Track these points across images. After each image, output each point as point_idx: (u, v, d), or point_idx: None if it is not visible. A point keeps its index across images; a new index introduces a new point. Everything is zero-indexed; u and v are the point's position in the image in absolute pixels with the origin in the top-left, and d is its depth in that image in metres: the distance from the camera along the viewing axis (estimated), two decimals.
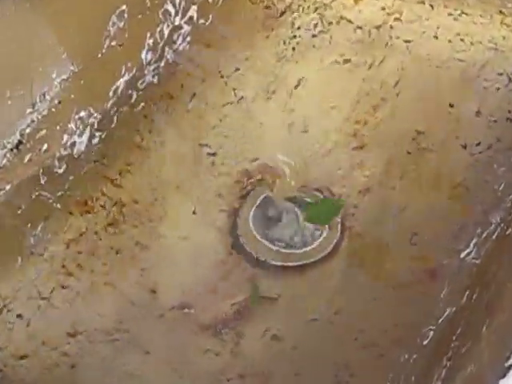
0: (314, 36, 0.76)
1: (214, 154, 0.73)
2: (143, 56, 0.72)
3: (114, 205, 0.71)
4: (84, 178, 0.70)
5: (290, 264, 0.69)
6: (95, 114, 0.71)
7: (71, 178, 0.70)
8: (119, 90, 0.71)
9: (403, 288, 0.66)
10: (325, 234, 0.70)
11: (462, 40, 0.75)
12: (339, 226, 0.71)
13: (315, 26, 0.76)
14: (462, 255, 0.63)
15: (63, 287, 0.68)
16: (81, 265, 0.69)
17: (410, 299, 0.65)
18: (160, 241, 0.70)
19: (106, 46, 0.71)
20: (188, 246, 0.70)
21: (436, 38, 0.76)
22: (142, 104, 0.72)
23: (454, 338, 0.59)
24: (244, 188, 0.72)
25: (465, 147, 0.71)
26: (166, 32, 0.75)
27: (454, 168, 0.70)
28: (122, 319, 0.67)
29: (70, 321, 0.66)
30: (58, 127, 0.69)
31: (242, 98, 0.75)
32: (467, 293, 0.62)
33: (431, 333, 0.61)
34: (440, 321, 0.61)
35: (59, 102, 0.69)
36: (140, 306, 0.67)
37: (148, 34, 0.73)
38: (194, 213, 0.71)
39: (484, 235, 0.64)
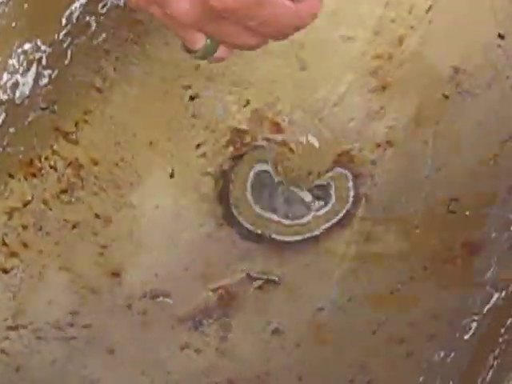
0: None
1: (196, 97, 0.64)
2: None
3: (67, 166, 0.64)
4: (29, 131, 0.63)
5: (293, 238, 0.63)
6: (43, 47, 0.64)
7: (12, 130, 0.63)
8: (74, 16, 0.64)
9: (437, 267, 0.60)
10: (333, 200, 0.63)
11: None
12: (351, 193, 0.63)
13: None
14: None
15: (4, 271, 0.62)
16: (26, 242, 0.63)
17: (447, 281, 0.60)
18: (127, 211, 0.63)
19: None
20: (163, 217, 0.64)
21: None
22: (104, 34, 0.64)
23: (502, 330, 0.55)
24: (234, 146, 0.64)
25: None
26: None
27: (504, 116, 0.63)
28: (79, 310, 0.62)
29: (12, 312, 0.62)
30: None
31: None
32: None
33: (474, 324, 0.57)
34: (485, 309, 0.57)
35: None
36: (101, 293, 0.62)
37: None
38: (171, 176, 0.64)
39: None
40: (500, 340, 0.54)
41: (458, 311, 0.58)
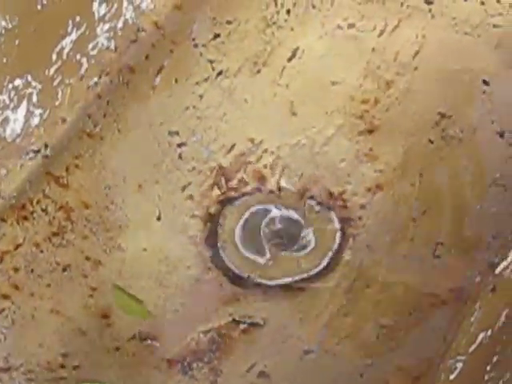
0: None
1: (183, 145, 0.80)
2: (95, 8, 0.78)
3: (58, 209, 0.79)
4: (21, 174, 0.77)
5: (279, 282, 0.77)
6: (34, 83, 0.77)
7: (3, 172, 0.76)
8: (64, 52, 0.76)
9: (423, 312, 0.74)
10: (320, 245, 0.80)
11: (498, 1, 0.84)
12: (338, 234, 0.81)
13: None
14: (499, 269, 0.72)
15: None
16: (17, 285, 0.77)
17: (432, 325, 0.74)
18: (116, 254, 0.78)
19: None
20: (151, 259, 0.79)
21: None
22: (95, 78, 0.78)
23: (488, 368, 0.68)
24: (221, 189, 0.78)
25: (502, 135, 0.76)
26: None
27: (489, 161, 0.78)
28: (69, 352, 0.75)
29: (4, 353, 0.74)
30: None
31: (221, 72, 0.85)
32: (505, 312, 0.68)
33: (459, 364, 0.69)
34: (471, 349, 0.70)
35: None
36: (91, 335, 0.76)
37: None
38: (158, 218, 0.79)
39: None
40: (486, 377, 0.66)
41: (443, 353, 0.70)
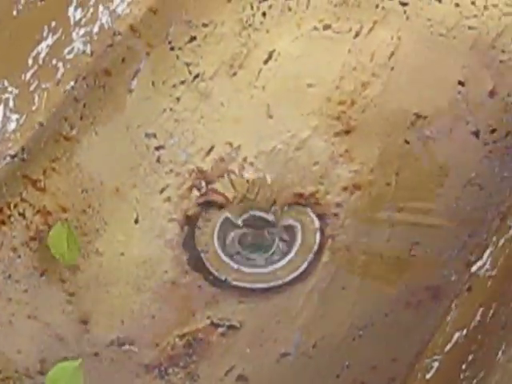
0: None
1: (161, 147, 0.85)
2: (70, 13, 0.83)
3: (36, 213, 0.83)
4: None
5: (256, 285, 0.82)
6: (10, 88, 0.80)
7: None
8: (40, 57, 0.81)
9: (400, 312, 0.79)
10: (298, 246, 0.83)
11: (472, 3, 0.88)
12: (317, 234, 0.83)
13: None
14: (474, 268, 0.75)
15: None
16: None
17: (408, 325, 0.79)
18: (94, 259, 0.83)
19: (22, 1, 0.80)
20: (128, 264, 0.83)
21: (439, 0, 0.89)
22: (72, 83, 0.83)
23: (463, 367, 0.69)
24: (199, 191, 0.84)
25: (477, 135, 0.86)
26: None
27: (464, 161, 0.82)
28: (47, 358, 0.78)
29: None
30: None
31: (198, 75, 0.88)
32: (480, 311, 0.72)
33: (435, 364, 0.70)
34: (447, 348, 0.70)
35: None
36: (69, 341, 0.79)
37: None
38: (136, 221, 0.84)
39: (501, 243, 0.74)
40: (461, 376, 0.67)
41: (419, 353, 0.72)
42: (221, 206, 0.85)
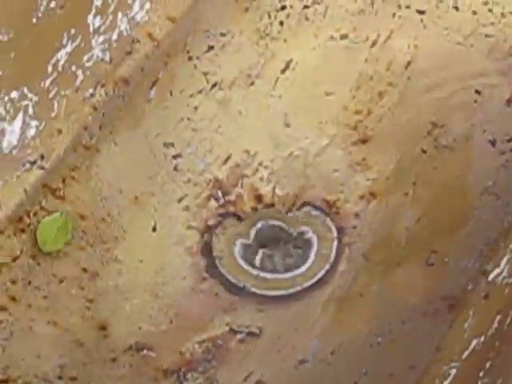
0: (305, 7, 0.91)
1: (178, 156, 0.87)
2: (90, 21, 0.86)
3: None
4: (18, 186, 0.82)
5: (275, 293, 0.84)
6: (30, 95, 0.82)
7: (0, 183, 0.82)
8: (60, 64, 0.83)
9: (417, 319, 0.83)
10: (315, 254, 0.84)
11: (489, 10, 0.89)
12: (335, 242, 0.85)
13: None
14: (491, 276, 0.76)
15: None
16: (15, 297, 0.82)
17: (425, 333, 0.83)
18: (113, 266, 0.85)
19: (42, 9, 0.83)
20: (147, 270, 0.85)
21: (456, 8, 0.90)
22: (91, 90, 0.85)
23: (481, 374, 0.73)
24: (217, 201, 0.86)
25: (493, 144, 0.88)
26: None
27: (481, 170, 0.85)
28: (66, 363, 0.81)
29: (2, 365, 0.79)
30: None
31: (216, 84, 0.89)
32: (497, 318, 0.77)
33: (453, 371, 0.74)
34: (464, 355, 0.75)
35: None
36: (88, 346, 0.82)
37: None
38: (154, 229, 0.86)
39: None
40: (479, 383, 0.71)
41: (437, 360, 0.76)
42: (237, 214, 0.86)
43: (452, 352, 0.76)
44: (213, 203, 0.88)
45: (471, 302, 0.79)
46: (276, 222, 0.87)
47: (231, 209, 0.87)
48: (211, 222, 0.87)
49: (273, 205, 0.87)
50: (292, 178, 0.87)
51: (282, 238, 0.87)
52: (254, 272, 0.86)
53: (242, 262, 0.86)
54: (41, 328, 0.82)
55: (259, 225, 0.87)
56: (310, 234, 0.87)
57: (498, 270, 0.79)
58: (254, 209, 0.87)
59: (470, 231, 0.84)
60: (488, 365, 0.73)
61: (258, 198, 0.87)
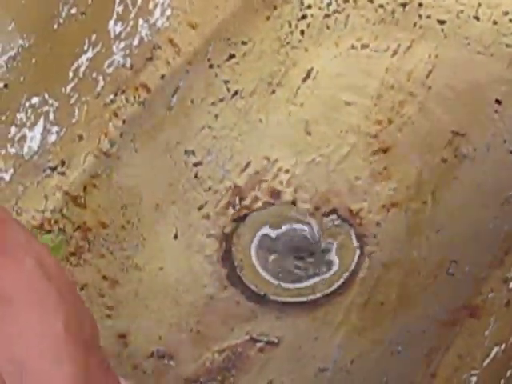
0: (326, 16, 0.94)
1: (199, 164, 0.89)
2: (110, 27, 0.87)
3: (76, 229, 0.86)
4: (38, 192, 0.84)
5: (295, 300, 0.85)
6: (51, 101, 0.84)
7: (21, 188, 0.84)
8: (81, 70, 0.85)
9: (437, 329, 0.82)
10: (337, 262, 0.86)
11: (510, 20, 0.91)
12: (357, 251, 0.87)
13: (328, 4, 0.93)
14: None
15: None
16: None
17: (446, 343, 0.81)
18: (133, 273, 0.86)
19: (63, 15, 0.84)
20: (167, 278, 0.86)
21: (477, 18, 0.92)
22: (112, 96, 0.87)
23: (502, 382, 0.74)
24: (235, 208, 0.88)
25: None
26: None
27: (501, 179, 0.86)
28: None
29: None
30: (3, 117, 0.81)
31: (237, 93, 0.92)
32: None
33: (474, 378, 0.75)
34: (485, 363, 0.75)
35: (5, 86, 0.81)
36: (108, 354, 0.80)
37: (117, 0, 0.87)
38: (175, 237, 0.87)
39: None
40: None
41: (458, 367, 0.76)
42: (257, 221, 0.88)
43: (473, 360, 0.77)
44: (232, 210, 0.90)
45: (492, 309, 0.78)
46: (298, 227, 0.89)
47: (248, 213, 0.88)
48: (230, 229, 0.88)
49: (293, 210, 0.90)
50: (315, 182, 0.88)
51: (300, 241, 0.89)
52: (275, 280, 0.88)
53: (262, 270, 0.88)
54: None
55: (280, 231, 0.90)
56: (331, 242, 0.89)
57: None
58: (273, 211, 0.90)
59: (491, 241, 0.84)
60: (509, 373, 0.74)
61: (277, 201, 0.90)
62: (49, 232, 0.86)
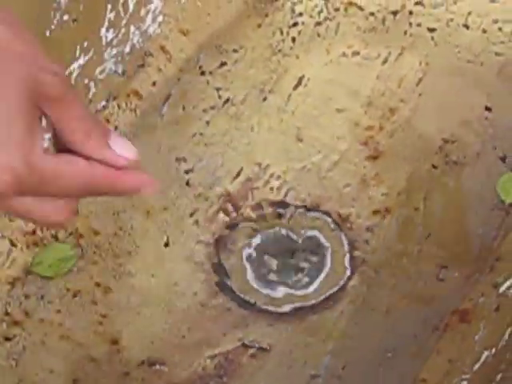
0: (317, 24, 0.96)
1: (190, 171, 0.90)
2: (102, 34, 0.88)
3: (68, 235, 0.87)
4: None
5: (286, 308, 0.86)
6: None
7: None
8: (72, 77, 0.87)
9: (428, 334, 0.83)
10: (328, 269, 0.88)
11: (499, 29, 0.93)
12: (347, 257, 0.88)
13: (319, 12, 0.95)
14: (502, 289, 0.79)
15: (7, 339, 0.83)
16: (28, 311, 0.84)
17: (437, 346, 0.82)
18: (125, 280, 0.87)
19: (55, 21, 0.86)
20: (159, 285, 0.87)
21: (467, 26, 0.94)
22: (103, 102, 0.88)
23: None
24: (227, 214, 0.89)
25: (504, 160, 0.88)
26: (131, 5, 0.90)
27: (491, 186, 0.87)
28: (79, 378, 0.83)
29: (15, 379, 0.82)
30: None
31: (228, 100, 0.93)
32: (509, 330, 0.77)
33: (464, 383, 0.75)
34: (475, 367, 0.76)
35: None
36: (101, 361, 0.83)
37: (109, 7, 0.88)
38: (166, 244, 0.88)
39: None
40: None
41: (448, 372, 0.76)
42: (250, 228, 0.89)
43: (463, 364, 0.78)
44: (223, 217, 0.92)
45: (482, 314, 0.79)
46: (288, 233, 0.90)
47: (240, 220, 0.90)
48: (221, 237, 0.89)
49: (285, 217, 0.91)
50: (307, 188, 0.89)
51: (293, 252, 0.90)
52: (265, 288, 0.87)
53: (252, 278, 0.88)
54: (53, 343, 0.83)
55: (269, 238, 0.91)
56: (322, 248, 0.91)
57: (508, 283, 0.82)
58: (265, 220, 0.91)
59: (481, 246, 0.85)
60: (499, 377, 0.75)
61: (269, 208, 0.91)
62: (63, 242, 0.87)
